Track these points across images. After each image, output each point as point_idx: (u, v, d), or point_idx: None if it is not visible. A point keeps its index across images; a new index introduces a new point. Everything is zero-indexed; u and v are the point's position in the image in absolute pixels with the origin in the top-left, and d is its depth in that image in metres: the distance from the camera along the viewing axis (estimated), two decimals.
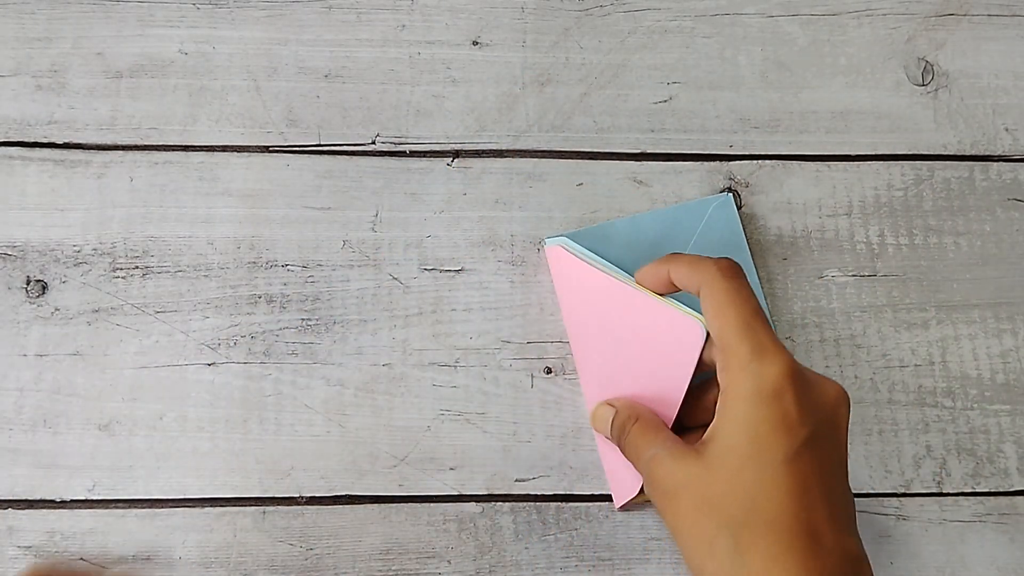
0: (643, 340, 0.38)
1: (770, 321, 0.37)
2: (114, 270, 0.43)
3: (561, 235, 0.43)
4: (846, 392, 0.33)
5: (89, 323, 0.42)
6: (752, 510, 0.30)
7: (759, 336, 0.32)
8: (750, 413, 0.31)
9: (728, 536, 0.30)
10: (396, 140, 0.45)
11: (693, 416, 0.37)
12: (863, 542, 0.40)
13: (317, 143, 0.45)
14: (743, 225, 0.44)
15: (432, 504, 0.40)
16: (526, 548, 0.40)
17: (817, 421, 0.32)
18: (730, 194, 0.44)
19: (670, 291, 0.37)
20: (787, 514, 0.30)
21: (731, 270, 0.34)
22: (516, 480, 0.41)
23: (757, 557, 0.30)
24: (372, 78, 0.46)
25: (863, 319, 0.43)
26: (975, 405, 0.43)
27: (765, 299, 0.43)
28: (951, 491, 0.41)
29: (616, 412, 0.38)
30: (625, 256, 0.42)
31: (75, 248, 0.43)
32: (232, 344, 0.42)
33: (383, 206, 0.44)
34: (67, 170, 0.44)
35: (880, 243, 0.45)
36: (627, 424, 0.37)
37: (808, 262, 0.44)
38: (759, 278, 0.43)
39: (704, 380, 0.37)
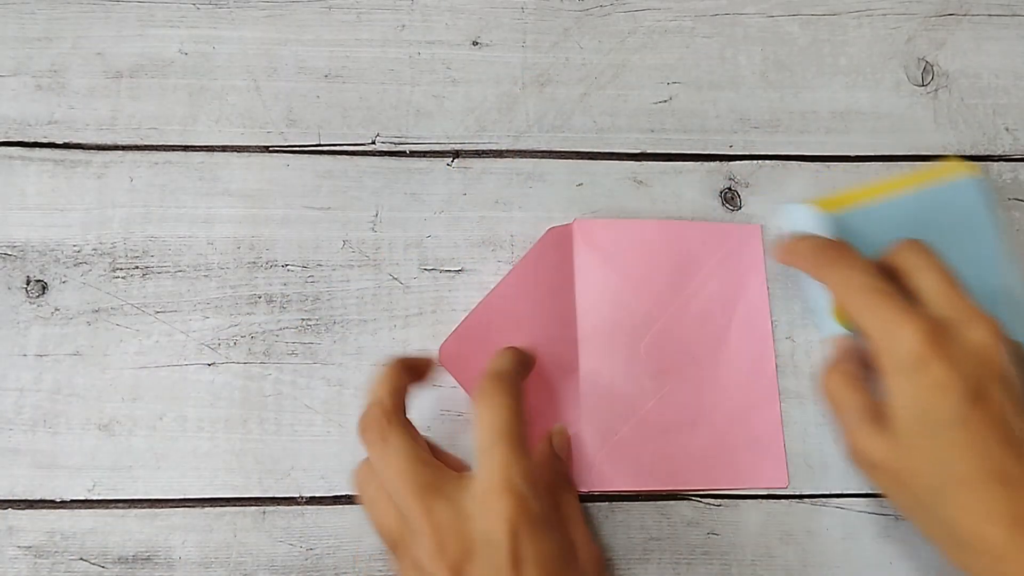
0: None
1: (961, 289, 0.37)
2: (114, 270, 0.43)
3: (803, 204, 0.42)
4: (996, 330, 0.33)
5: (89, 323, 0.42)
6: (943, 474, 0.31)
7: (882, 312, 0.33)
8: (904, 388, 0.33)
9: (930, 501, 0.32)
10: (396, 140, 0.45)
11: None
12: (863, 543, 0.40)
13: (317, 143, 0.45)
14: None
15: None
16: None
17: (972, 374, 0.32)
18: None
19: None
20: (977, 467, 0.31)
21: (829, 262, 0.37)
22: None
23: (962, 515, 0.31)
24: (372, 78, 0.46)
25: None
26: None
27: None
28: None
29: (840, 347, 0.38)
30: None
31: (75, 248, 0.43)
32: (232, 344, 0.42)
33: (383, 206, 0.44)
34: (67, 170, 0.44)
35: None
36: (837, 364, 0.37)
37: None
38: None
39: None
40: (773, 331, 0.43)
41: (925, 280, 0.35)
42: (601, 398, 0.41)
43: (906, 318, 0.33)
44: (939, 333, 0.33)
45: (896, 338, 0.33)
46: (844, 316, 0.39)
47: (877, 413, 0.34)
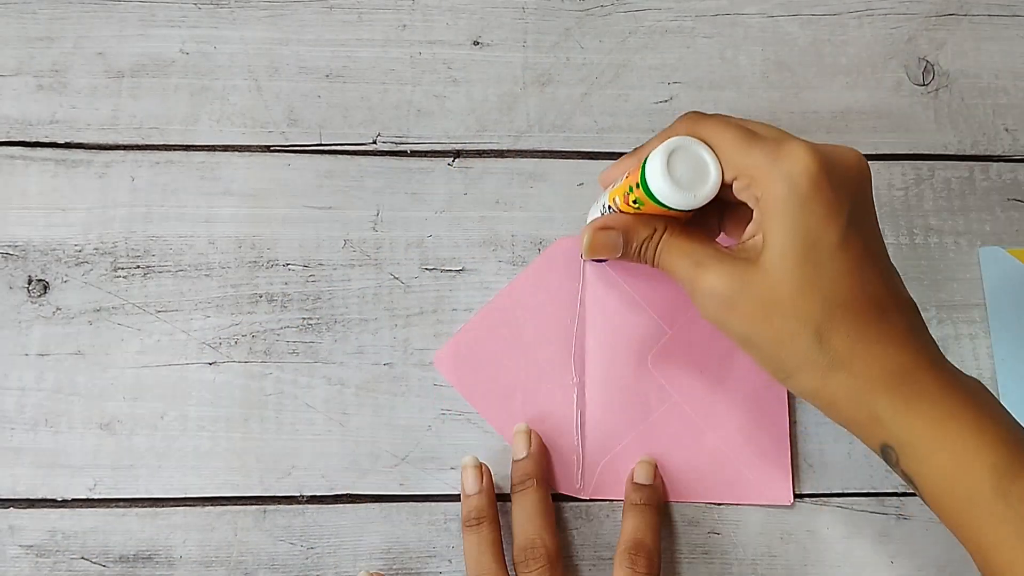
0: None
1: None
2: (115, 269, 0.43)
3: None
4: (860, 154, 0.34)
5: (90, 322, 0.42)
6: (822, 301, 0.31)
7: (767, 141, 0.33)
8: (795, 213, 0.31)
9: (808, 330, 0.32)
10: (397, 140, 0.45)
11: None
12: (864, 542, 0.40)
13: (318, 143, 0.45)
14: None
15: (433, 503, 0.40)
16: None
17: (851, 197, 0.32)
18: None
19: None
20: (853, 291, 0.32)
21: (695, 114, 0.35)
22: None
23: (838, 340, 0.31)
24: (373, 78, 0.46)
25: None
26: None
27: None
28: None
29: (628, 230, 0.36)
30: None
31: (76, 248, 0.43)
32: (233, 343, 0.42)
33: (384, 206, 0.44)
34: (69, 170, 0.44)
35: None
36: (654, 234, 0.35)
37: None
38: None
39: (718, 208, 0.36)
40: None
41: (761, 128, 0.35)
42: (606, 408, 0.41)
43: (791, 142, 0.32)
44: (821, 156, 0.32)
45: (788, 161, 0.31)
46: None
47: (728, 252, 0.34)
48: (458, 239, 0.44)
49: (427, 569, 0.39)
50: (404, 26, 0.47)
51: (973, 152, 0.46)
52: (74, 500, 0.40)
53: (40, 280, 0.42)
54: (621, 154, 0.45)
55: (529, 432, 0.40)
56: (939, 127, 0.47)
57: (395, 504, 0.40)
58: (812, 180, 0.31)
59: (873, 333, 0.31)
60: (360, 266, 0.43)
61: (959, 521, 0.31)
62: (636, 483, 0.40)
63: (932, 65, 0.48)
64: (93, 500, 0.40)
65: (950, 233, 0.45)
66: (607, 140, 0.46)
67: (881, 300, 0.32)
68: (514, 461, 0.40)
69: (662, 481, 0.40)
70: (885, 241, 0.44)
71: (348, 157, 0.45)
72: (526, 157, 0.45)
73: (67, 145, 0.44)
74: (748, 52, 0.48)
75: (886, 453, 0.32)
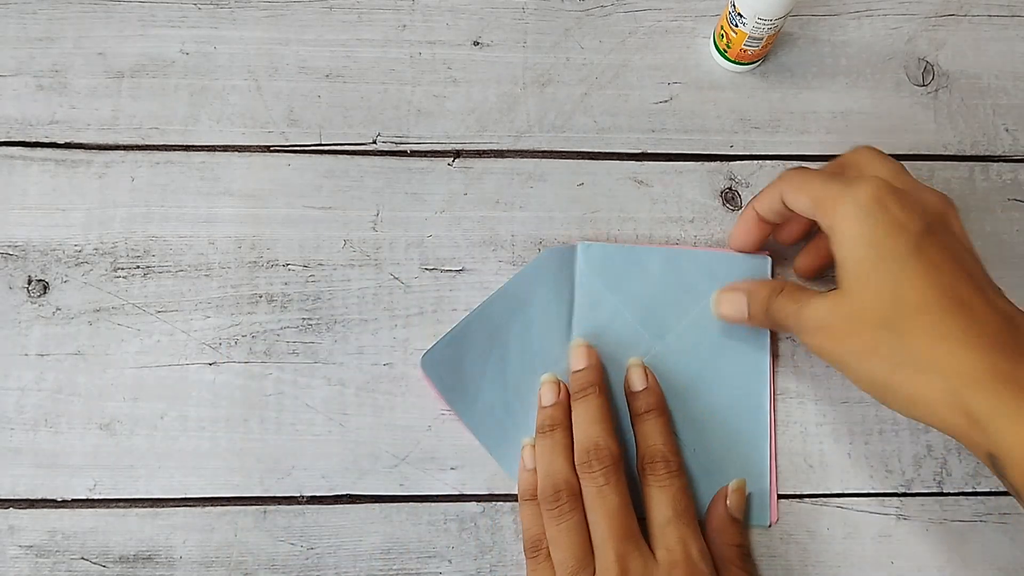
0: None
1: None
2: (115, 270, 0.43)
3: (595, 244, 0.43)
4: (949, 198, 0.35)
5: (90, 323, 0.42)
6: (898, 303, 0.32)
7: (842, 178, 0.35)
8: (860, 228, 0.33)
9: (886, 333, 0.32)
10: (397, 140, 0.45)
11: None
12: (864, 542, 0.40)
13: (318, 143, 0.45)
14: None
15: (433, 504, 0.40)
16: None
17: (927, 218, 0.33)
18: (769, 258, 0.43)
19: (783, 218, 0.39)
20: (932, 292, 0.32)
21: (779, 179, 0.38)
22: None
23: (920, 338, 0.32)
24: (373, 78, 0.46)
25: None
26: None
27: None
28: (952, 491, 0.41)
29: (751, 292, 0.39)
30: (648, 289, 0.43)
31: (76, 248, 0.43)
32: (233, 343, 0.42)
33: (384, 206, 0.44)
34: (68, 170, 0.44)
35: None
36: (772, 295, 0.38)
37: None
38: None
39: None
40: (773, 363, 0.42)
41: (880, 167, 0.36)
42: None
43: (867, 175, 0.34)
44: (891, 185, 0.34)
45: (856, 186, 0.33)
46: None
47: (824, 292, 0.35)
48: (458, 239, 0.44)
49: (427, 569, 0.39)
50: (404, 26, 0.47)
51: (973, 152, 0.46)
52: (74, 500, 0.40)
53: (40, 280, 0.42)
54: (621, 154, 0.46)
55: (587, 346, 0.41)
56: (939, 127, 0.47)
57: (395, 504, 0.40)
58: (876, 199, 0.33)
59: (959, 334, 0.31)
60: (360, 266, 0.43)
61: None
62: (633, 392, 0.40)
63: (932, 65, 0.48)
64: (93, 500, 0.40)
65: None
66: (607, 140, 0.46)
67: (969, 303, 0.32)
68: (573, 372, 0.40)
69: (655, 380, 0.41)
70: None
71: (348, 157, 0.45)
72: (526, 157, 0.45)
73: (67, 145, 0.44)
74: None
75: (993, 463, 0.31)
